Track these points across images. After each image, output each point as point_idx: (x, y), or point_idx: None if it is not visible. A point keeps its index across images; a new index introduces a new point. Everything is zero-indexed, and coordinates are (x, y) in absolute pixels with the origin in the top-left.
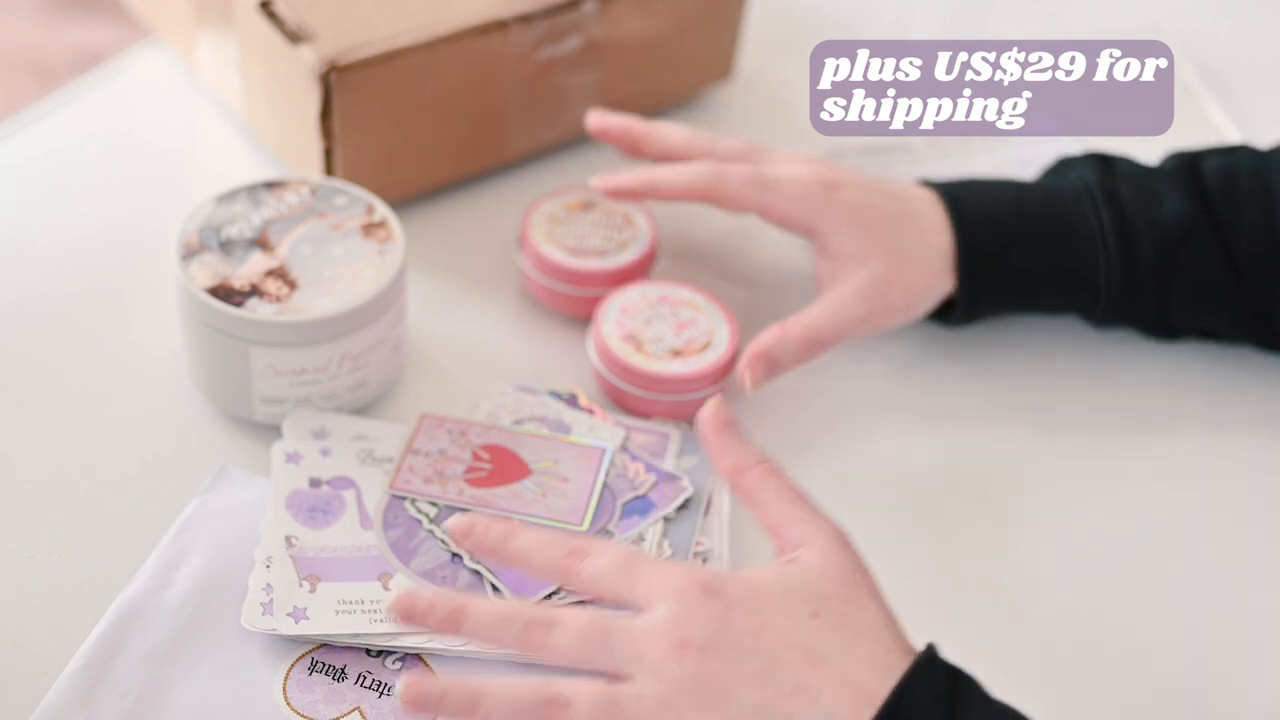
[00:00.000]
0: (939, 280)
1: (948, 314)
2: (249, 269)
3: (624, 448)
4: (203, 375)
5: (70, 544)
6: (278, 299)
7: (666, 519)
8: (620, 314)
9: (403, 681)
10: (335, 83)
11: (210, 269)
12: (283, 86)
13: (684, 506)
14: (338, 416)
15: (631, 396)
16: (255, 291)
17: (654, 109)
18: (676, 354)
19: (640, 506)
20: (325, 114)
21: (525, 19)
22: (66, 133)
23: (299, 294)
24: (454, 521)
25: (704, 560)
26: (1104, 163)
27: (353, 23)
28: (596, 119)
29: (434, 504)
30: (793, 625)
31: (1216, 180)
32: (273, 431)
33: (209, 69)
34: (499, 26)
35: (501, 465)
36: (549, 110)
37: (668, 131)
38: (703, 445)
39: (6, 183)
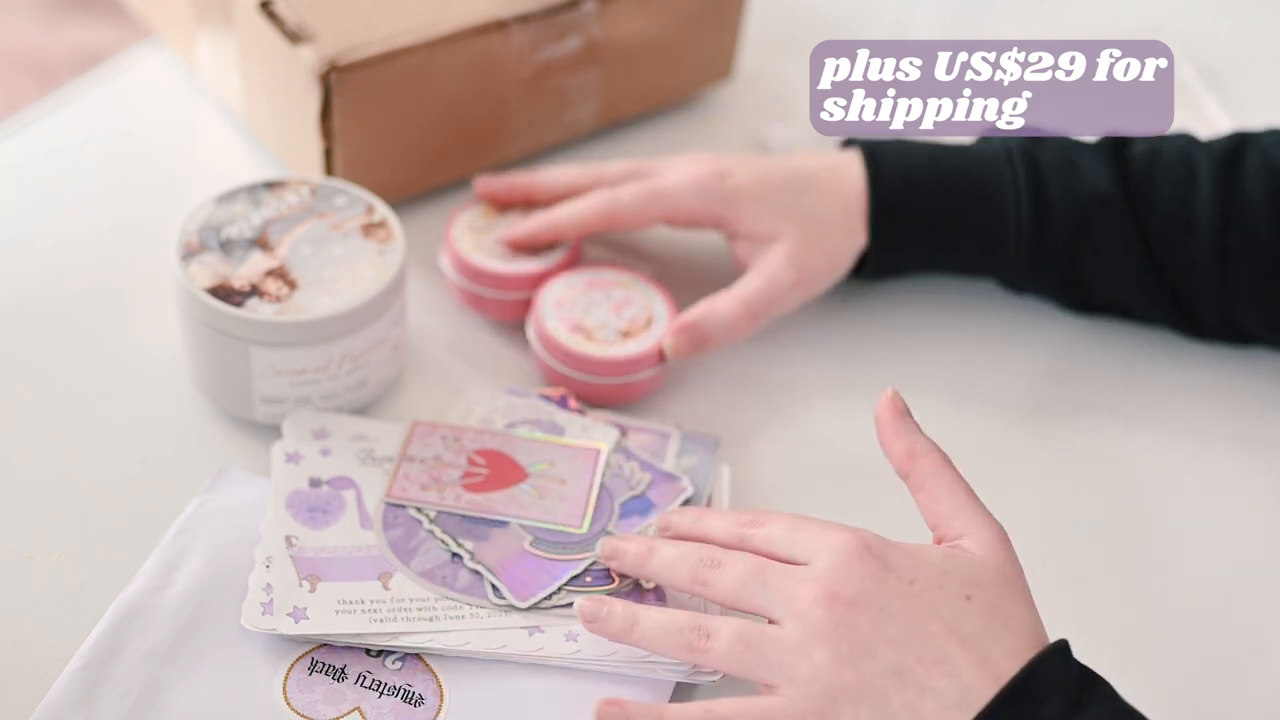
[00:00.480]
0: (854, 236)
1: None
2: (249, 269)
3: (619, 447)
4: (203, 375)
5: (70, 544)
6: (278, 299)
7: None
8: (557, 308)
9: (579, 602)
10: (335, 83)
11: (210, 269)
12: (283, 86)
13: (683, 506)
14: (338, 416)
15: (590, 386)
16: (255, 291)
17: (654, 109)
18: (625, 335)
19: (639, 506)
20: (325, 114)
21: (525, 19)
22: (66, 133)
23: (299, 294)
24: (605, 543)
25: None
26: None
27: (353, 23)
28: (481, 185)
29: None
30: (945, 601)
31: (1140, 159)
32: (273, 431)
33: (209, 69)
34: (499, 26)
35: (498, 469)
36: (549, 110)
37: (555, 174)
38: (878, 428)
39: (6, 183)
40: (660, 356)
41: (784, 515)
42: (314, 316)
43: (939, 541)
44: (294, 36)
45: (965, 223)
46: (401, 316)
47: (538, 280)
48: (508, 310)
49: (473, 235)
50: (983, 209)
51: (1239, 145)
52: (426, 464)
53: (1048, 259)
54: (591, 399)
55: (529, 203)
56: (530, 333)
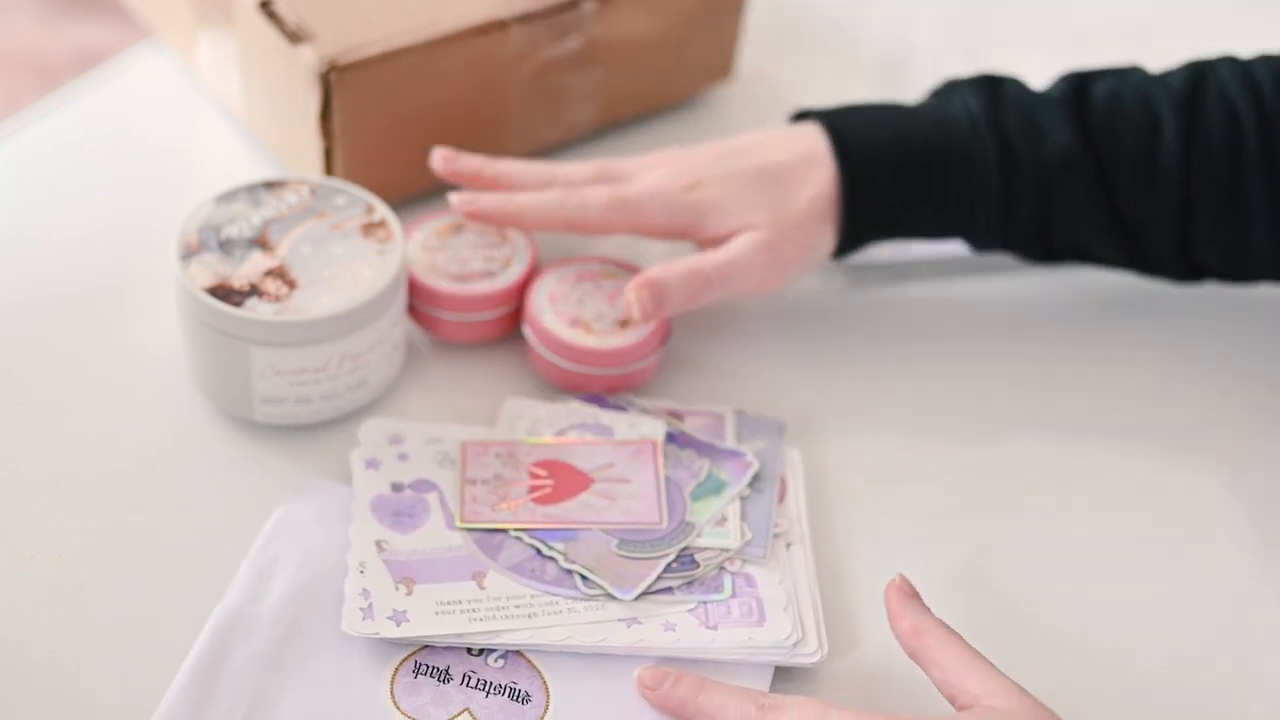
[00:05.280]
0: (825, 223)
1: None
2: (249, 269)
3: (670, 436)
4: (203, 375)
5: (70, 544)
6: (277, 299)
7: (742, 498)
8: (551, 303)
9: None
10: (335, 83)
11: (210, 269)
12: (283, 86)
13: (753, 484)
14: (409, 422)
15: (591, 378)
16: (255, 291)
17: (654, 109)
18: (622, 324)
19: (713, 486)
20: (325, 114)
21: (525, 19)
22: (66, 133)
23: (299, 294)
24: (644, 672)
25: (787, 545)
26: (992, 88)
27: (353, 23)
28: (441, 160)
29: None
30: None
31: (1101, 109)
32: (273, 431)
33: (209, 69)
34: (499, 26)
35: (561, 479)
36: (549, 110)
37: (517, 170)
38: (888, 609)
39: (6, 183)
40: (664, 338)
41: (801, 704)
42: (314, 316)
43: (961, 709)
44: (294, 36)
45: (935, 199)
46: (401, 316)
47: (503, 298)
48: (479, 331)
49: (426, 255)
50: (953, 186)
51: (1197, 83)
52: (489, 484)
53: (1017, 224)
54: (592, 391)
55: (488, 186)
56: (527, 330)
